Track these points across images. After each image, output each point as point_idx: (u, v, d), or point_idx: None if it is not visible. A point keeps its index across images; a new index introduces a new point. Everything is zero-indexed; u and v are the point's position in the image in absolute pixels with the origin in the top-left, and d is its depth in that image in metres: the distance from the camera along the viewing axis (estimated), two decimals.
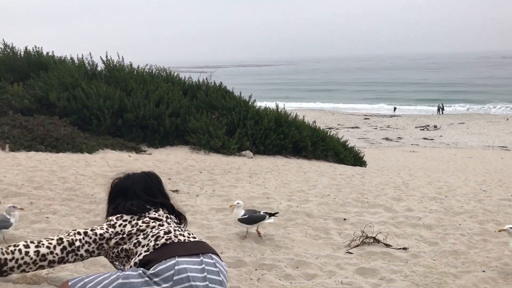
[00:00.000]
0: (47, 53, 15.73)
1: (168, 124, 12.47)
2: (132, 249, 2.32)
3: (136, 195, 2.54)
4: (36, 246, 2.12)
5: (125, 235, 2.36)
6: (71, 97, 12.05)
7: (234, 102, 14.15)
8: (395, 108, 47.78)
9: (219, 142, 12.30)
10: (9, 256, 2.02)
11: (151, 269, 2.17)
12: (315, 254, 4.56)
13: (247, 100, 14.69)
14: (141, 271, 2.17)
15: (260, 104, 15.22)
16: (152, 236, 2.32)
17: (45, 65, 14.60)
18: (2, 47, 15.97)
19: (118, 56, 14.95)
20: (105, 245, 2.35)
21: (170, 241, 2.29)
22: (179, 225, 2.55)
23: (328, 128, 26.57)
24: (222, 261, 2.41)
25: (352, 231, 5.29)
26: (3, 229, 4.05)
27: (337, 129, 31.14)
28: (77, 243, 2.24)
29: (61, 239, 2.21)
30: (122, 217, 2.42)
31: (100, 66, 14.74)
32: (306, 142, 13.81)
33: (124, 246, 2.34)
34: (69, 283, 2.19)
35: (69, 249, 2.21)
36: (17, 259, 2.04)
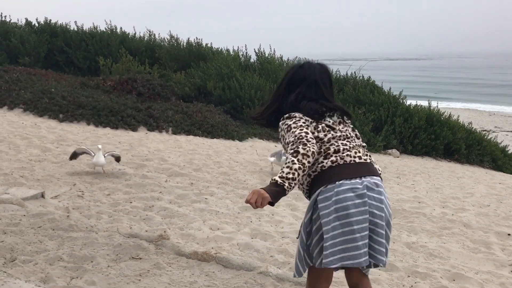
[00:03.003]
0: (206, 44, 16.92)
1: None
2: None
3: (319, 89, 2.50)
4: (299, 168, 2.23)
5: None
6: (226, 87, 12.82)
7: (383, 97, 13.69)
8: None
9: (364, 138, 12.05)
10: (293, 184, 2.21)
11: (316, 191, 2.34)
12: (474, 268, 4.21)
13: (396, 96, 14.11)
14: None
15: (408, 101, 14.49)
16: (325, 153, 2.38)
17: (204, 56, 15.74)
18: (169, 38, 17.62)
19: (270, 48, 15.47)
20: None
21: (336, 163, 2.36)
22: (348, 134, 2.47)
23: (484, 130, 24.21)
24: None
25: None
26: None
27: (493, 131, 28.25)
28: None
29: (313, 151, 2.28)
30: (299, 120, 2.39)
31: (253, 58, 15.40)
32: (460, 145, 12.81)
33: None
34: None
35: (316, 155, 2.33)
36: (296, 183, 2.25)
